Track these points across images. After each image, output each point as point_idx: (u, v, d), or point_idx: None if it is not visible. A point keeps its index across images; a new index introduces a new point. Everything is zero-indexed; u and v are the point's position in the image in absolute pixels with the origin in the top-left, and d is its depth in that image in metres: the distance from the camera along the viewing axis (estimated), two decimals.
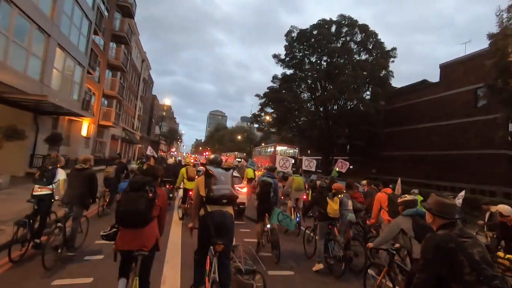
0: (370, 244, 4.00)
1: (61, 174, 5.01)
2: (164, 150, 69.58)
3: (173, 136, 69.54)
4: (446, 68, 23.45)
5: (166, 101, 39.97)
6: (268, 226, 5.88)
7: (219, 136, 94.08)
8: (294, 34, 29.47)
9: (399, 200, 4.06)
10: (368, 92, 27.66)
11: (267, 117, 32.79)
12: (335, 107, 29.73)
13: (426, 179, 23.27)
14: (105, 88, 22.34)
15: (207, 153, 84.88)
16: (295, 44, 29.36)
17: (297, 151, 26.21)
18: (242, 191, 8.93)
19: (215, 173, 3.42)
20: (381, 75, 26.07)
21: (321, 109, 29.87)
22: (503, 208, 5.03)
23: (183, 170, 8.34)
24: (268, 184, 5.95)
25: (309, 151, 38.74)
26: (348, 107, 27.70)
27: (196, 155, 62.91)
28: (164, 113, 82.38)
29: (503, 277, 1.87)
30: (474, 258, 1.77)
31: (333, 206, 5.22)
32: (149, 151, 18.20)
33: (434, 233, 2.02)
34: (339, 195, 5.49)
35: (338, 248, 5.17)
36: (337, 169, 12.86)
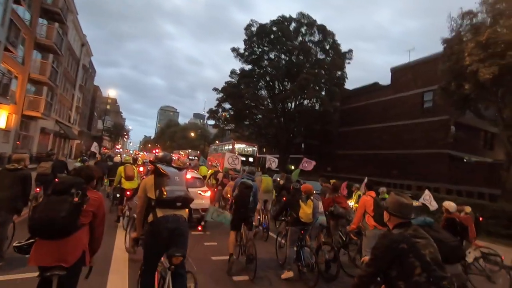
0: (366, 258, 3.24)
1: None
2: (108, 147, 63.41)
3: (118, 132, 63.57)
4: (396, 72, 24.81)
5: (111, 92, 35.89)
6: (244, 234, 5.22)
7: (170, 133, 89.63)
8: (254, 29, 28.59)
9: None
10: (322, 92, 28.19)
11: (224, 114, 31.46)
12: (293, 105, 29.70)
13: (377, 176, 24.31)
14: (32, 71, 18.66)
15: (157, 150, 79.96)
16: (254, 38, 28.47)
17: (256, 149, 25.36)
18: (205, 195, 7.62)
19: (168, 171, 2.94)
20: (338, 75, 26.63)
21: (279, 107, 29.56)
22: (448, 205, 5.34)
23: (121, 168, 7.60)
24: (249, 187, 5.28)
25: (264, 149, 38.45)
26: (306, 106, 27.76)
27: (145, 153, 58.46)
28: (108, 106, 75.29)
29: (451, 278, 1.86)
30: (425, 259, 1.82)
31: (305, 210, 4.83)
32: (94, 147, 15.99)
33: (389, 232, 2.07)
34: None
35: (310, 255, 4.88)
36: (299, 168, 12.50)
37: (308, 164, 13.65)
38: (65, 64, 26.43)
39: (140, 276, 2.98)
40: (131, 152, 68.36)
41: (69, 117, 31.96)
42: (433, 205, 9.06)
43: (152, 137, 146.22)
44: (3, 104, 13.85)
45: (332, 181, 7.52)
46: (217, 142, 66.93)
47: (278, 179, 11.01)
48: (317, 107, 28.03)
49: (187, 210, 3.12)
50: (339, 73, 26.76)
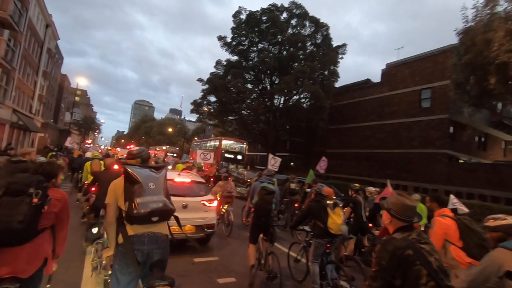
0: None
1: None
2: (77, 141, 58.34)
3: (89, 126, 58.70)
4: (391, 69, 23.96)
5: (80, 81, 32.19)
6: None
7: (146, 128, 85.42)
8: (243, 16, 26.52)
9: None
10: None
11: (207, 108, 29.16)
12: (281, 100, 28.18)
13: (371, 176, 23.47)
14: None
15: (131, 146, 75.48)
16: (243, 26, 26.42)
17: (245, 146, 23.51)
18: (211, 206, 5.66)
19: (140, 177, 2.22)
20: (331, 70, 25.32)
21: (268, 102, 27.86)
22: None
23: (87, 164, 7.61)
24: (271, 192, 4.55)
25: (246, 146, 36.79)
26: (297, 101, 26.26)
27: (119, 149, 54.48)
28: (78, 98, 70.00)
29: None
30: (432, 266, 1.71)
31: (335, 220, 4.15)
32: (69, 142, 14.00)
33: (391, 237, 1.88)
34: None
35: (335, 272, 4.27)
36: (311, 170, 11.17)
37: (324, 164, 12.27)
38: (25, 45, 22.85)
39: None
40: (102, 147, 63.85)
41: (31, 107, 28.13)
42: (463, 209, 7.76)
43: (125, 132, 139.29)
44: None
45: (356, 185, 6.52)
46: (196, 138, 64.19)
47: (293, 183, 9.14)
48: (305, 103, 26.55)
49: (168, 223, 2.51)
50: (332, 68, 25.45)
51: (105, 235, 3.63)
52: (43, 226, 2.02)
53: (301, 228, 4.71)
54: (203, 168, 14.03)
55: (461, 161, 20.59)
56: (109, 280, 2.79)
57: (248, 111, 28.74)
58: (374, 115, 24.79)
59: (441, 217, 3.26)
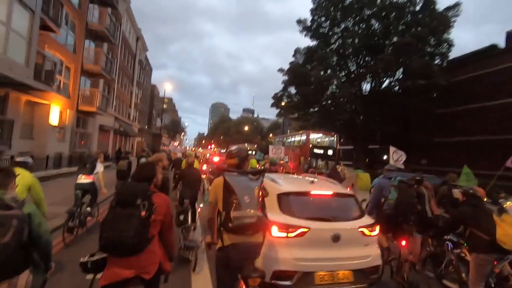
0: None
1: (100, 167, 5.80)
2: (166, 143, 64.64)
3: (176, 129, 64.20)
4: None
5: (167, 86, 34.39)
6: None
7: (224, 128, 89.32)
8: None
9: None
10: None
11: (284, 102, 27.20)
12: (369, 85, 24.21)
13: (491, 170, 17.81)
14: (85, 61, 16.84)
15: (212, 145, 79.98)
16: (323, 4, 23.44)
17: (335, 139, 20.70)
18: (373, 234, 3.37)
19: (236, 189, 2.31)
20: (442, 38, 20.14)
21: (355, 88, 24.27)
22: None
23: (184, 160, 8.31)
24: (411, 185, 4.10)
25: (337, 140, 33.31)
26: (396, 83, 21.96)
27: (200, 149, 57.68)
28: (165, 105, 77.44)
29: None
30: None
31: (507, 230, 3.11)
32: (172, 145, 14.50)
33: None
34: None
35: None
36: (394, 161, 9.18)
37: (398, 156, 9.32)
38: (120, 57, 25.00)
39: None
40: (187, 148, 69.18)
41: (129, 115, 31.15)
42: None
43: (205, 134, 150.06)
44: (38, 89, 11.66)
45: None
46: (271, 135, 63.53)
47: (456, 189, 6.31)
48: (406, 84, 21.83)
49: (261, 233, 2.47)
50: (444, 36, 20.23)
51: (189, 222, 4.79)
52: (152, 234, 2.08)
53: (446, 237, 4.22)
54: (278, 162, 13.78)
55: None
56: (190, 259, 4.20)
57: (330, 101, 25.70)
58: (497, 92, 18.88)
59: None
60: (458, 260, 3.99)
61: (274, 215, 3.22)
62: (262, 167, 15.77)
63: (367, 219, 3.48)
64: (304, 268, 2.99)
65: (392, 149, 9.75)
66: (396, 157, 9.51)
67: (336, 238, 3.09)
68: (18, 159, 3.86)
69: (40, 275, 2.15)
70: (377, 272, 3.30)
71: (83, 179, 5.55)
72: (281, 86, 26.11)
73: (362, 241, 3.27)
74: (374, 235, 3.38)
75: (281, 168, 11.99)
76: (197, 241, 4.49)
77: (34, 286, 2.06)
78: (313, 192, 3.50)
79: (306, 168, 15.19)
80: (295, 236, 3.06)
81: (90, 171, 5.67)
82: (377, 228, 3.45)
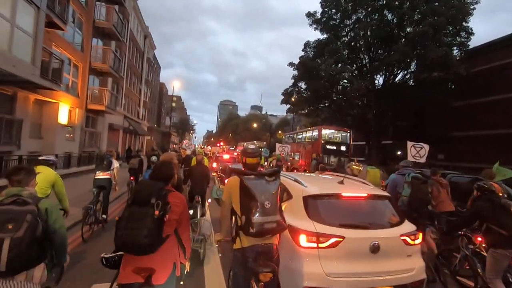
0: None
1: (115, 163, 6.02)
2: (175, 142, 64.85)
3: (185, 127, 64.27)
4: None
5: (175, 83, 34.20)
6: None
7: (232, 126, 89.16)
8: None
9: None
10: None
11: (294, 98, 26.58)
12: (382, 79, 23.38)
13: None
14: (93, 60, 16.67)
15: (221, 143, 79.94)
16: None
17: (348, 135, 20.03)
18: (416, 242, 2.87)
19: (256, 194, 2.25)
20: (461, 26, 19.12)
21: (367, 82, 23.49)
22: None
23: (194, 158, 8.24)
24: (425, 181, 4.42)
25: (351, 136, 32.58)
26: (411, 75, 21.08)
27: (209, 146, 57.66)
28: (174, 104, 77.70)
29: None
30: None
31: None
32: (185, 143, 15.45)
33: None
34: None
35: None
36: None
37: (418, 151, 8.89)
38: (129, 55, 24.85)
39: None
40: (196, 146, 69.32)
41: (138, 113, 31.12)
42: None
43: (214, 131, 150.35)
44: (57, 91, 11.51)
45: None
46: (279, 132, 62.97)
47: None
48: (422, 76, 20.92)
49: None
50: (463, 24, 19.22)
51: (198, 216, 5.02)
52: (166, 234, 2.05)
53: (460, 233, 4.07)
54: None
55: None
56: (200, 250, 4.46)
57: (341, 96, 24.97)
58: None
59: None
60: (474, 255, 3.90)
61: (301, 221, 2.78)
62: (270, 164, 15.82)
63: (408, 226, 2.99)
64: (338, 285, 2.56)
65: (409, 144, 9.25)
66: (414, 152, 9.05)
67: (375, 249, 2.64)
68: (42, 157, 4.04)
69: (56, 267, 2.22)
70: (421, 287, 2.83)
71: (101, 175, 5.79)
72: (289, 83, 25.68)
73: (404, 252, 2.81)
74: (417, 244, 2.91)
75: (289, 164, 11.58)
76: (205, 234, 4.69)
77: (50, 278, 2.14)
78: (344, 194, 3.02)
79: (314, 164, 14.45)
80: (327, 247, 2.62)
81: (108, 167, 5.87)
82: (420, 236, 2.97)
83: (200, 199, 5.33)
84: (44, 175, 3.50)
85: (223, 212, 2.61)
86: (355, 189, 3.31)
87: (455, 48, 19.85)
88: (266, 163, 16.86)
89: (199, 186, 5.49)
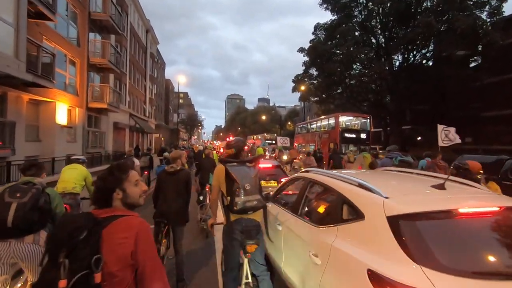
0: None
1: (136, 161, 5.88)
2: (184, 138, 64.13)
3: (193, 123, 63.46)
4: None
5: (181, 79, 33.13)
6: None
7: (240, 119, 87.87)
8: None
9: None
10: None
11: (304, 87, 25.07)
12: (405, 56, 21.62)
13: None
14: (91, 55, 15.66)
15: (230, 137, 79.01)
16: None
17: (368, 121, 18.51)
18: None
19: (238, 178, 2.59)
20: None
21: (384, 64, 21.79)
22: None
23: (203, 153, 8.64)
24: (410, 164, 5.23)
25: (371, 122, 30.86)
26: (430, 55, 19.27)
27: (217, 141, 56.76)
28: (181, 100, 76.95)
29: None
30: None
31: None
32: (194, 140, 15.10)
33: None
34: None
35: None
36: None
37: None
38: (130, 50, 23.81)
39: (224, 275, 2.89)
40: (205, 141, 68.58)
41: (144, 110, 30.25)
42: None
43: (222, 126, 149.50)
44: (52, 90, 10.52)
45: None
46: (289, 123, 61.34)
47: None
48: (447, 53, 19.05)
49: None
50: None
51: (207, 201, 6.05)
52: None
53: None
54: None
55: None
56: (205, 227, 5.41)
57: (355, 80, 23.34)
58: None
59: None
60: None
61: (394, 265, 1.55)
62: (273, 155, 15.38)
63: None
64: None
65: (440, 127, 8.60)
66: (443, 136, 8.38)
67: None
68: (73, 157, 4.89)
69: None
70: None
71: None
72: (294, 73, 24.23)
73: None
74: None
75: (288, 155, 10.01)
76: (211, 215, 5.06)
77: None
78: (463, 211, 1.70)
79: (331, 156, 10.51)
80: None
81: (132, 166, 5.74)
82: None
83: (209, 187, 6.14)
84: (79, 171, 4.31)
85: (213, 195, 2.92)
86: (478, 199, 1.98)
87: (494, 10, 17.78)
88: (268, 153, 16.46)
89: (207, 175, 6.35)
